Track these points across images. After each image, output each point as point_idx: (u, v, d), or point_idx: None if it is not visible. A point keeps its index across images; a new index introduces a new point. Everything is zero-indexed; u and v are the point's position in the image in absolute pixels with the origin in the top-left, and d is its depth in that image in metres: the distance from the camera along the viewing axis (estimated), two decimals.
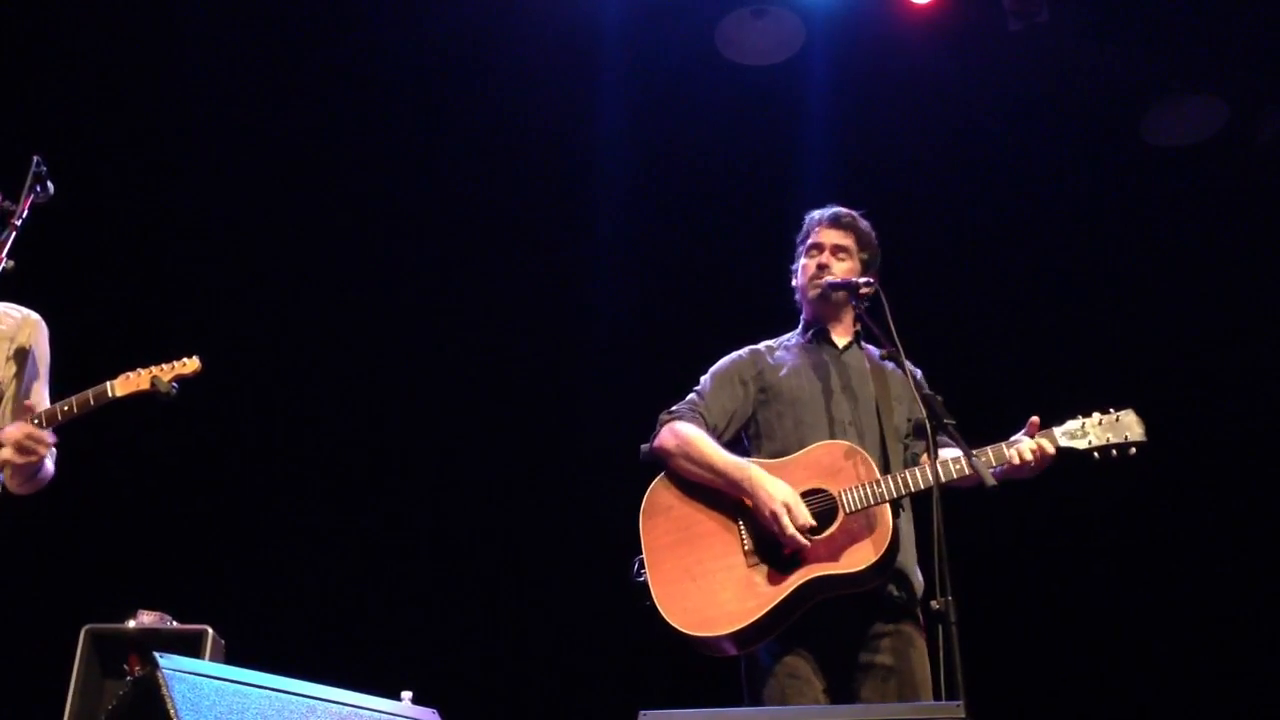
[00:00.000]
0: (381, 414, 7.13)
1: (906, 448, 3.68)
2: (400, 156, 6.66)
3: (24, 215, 3.43)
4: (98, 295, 6.40)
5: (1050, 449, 3.39)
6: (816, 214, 3.99)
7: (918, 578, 3.59)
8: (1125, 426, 3.44)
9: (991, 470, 3.26)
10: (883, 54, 6.16)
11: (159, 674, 2.83)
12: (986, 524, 5.02)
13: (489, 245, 6.97)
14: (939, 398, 3.41)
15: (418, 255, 6.94)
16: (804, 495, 3.39)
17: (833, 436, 3.57)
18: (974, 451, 3.29)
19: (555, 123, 6.55)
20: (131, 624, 4.73)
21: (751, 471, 3.45)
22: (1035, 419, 3.44)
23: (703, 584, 3.36)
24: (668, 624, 3.34)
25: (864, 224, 3.96)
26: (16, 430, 3.42)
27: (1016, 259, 6.85)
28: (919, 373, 3.76)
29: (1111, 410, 3.45)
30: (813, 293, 3.86)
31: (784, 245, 6.95)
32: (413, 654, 6.45)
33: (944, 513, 3.10)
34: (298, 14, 6.04)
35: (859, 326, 3.87)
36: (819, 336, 3.89)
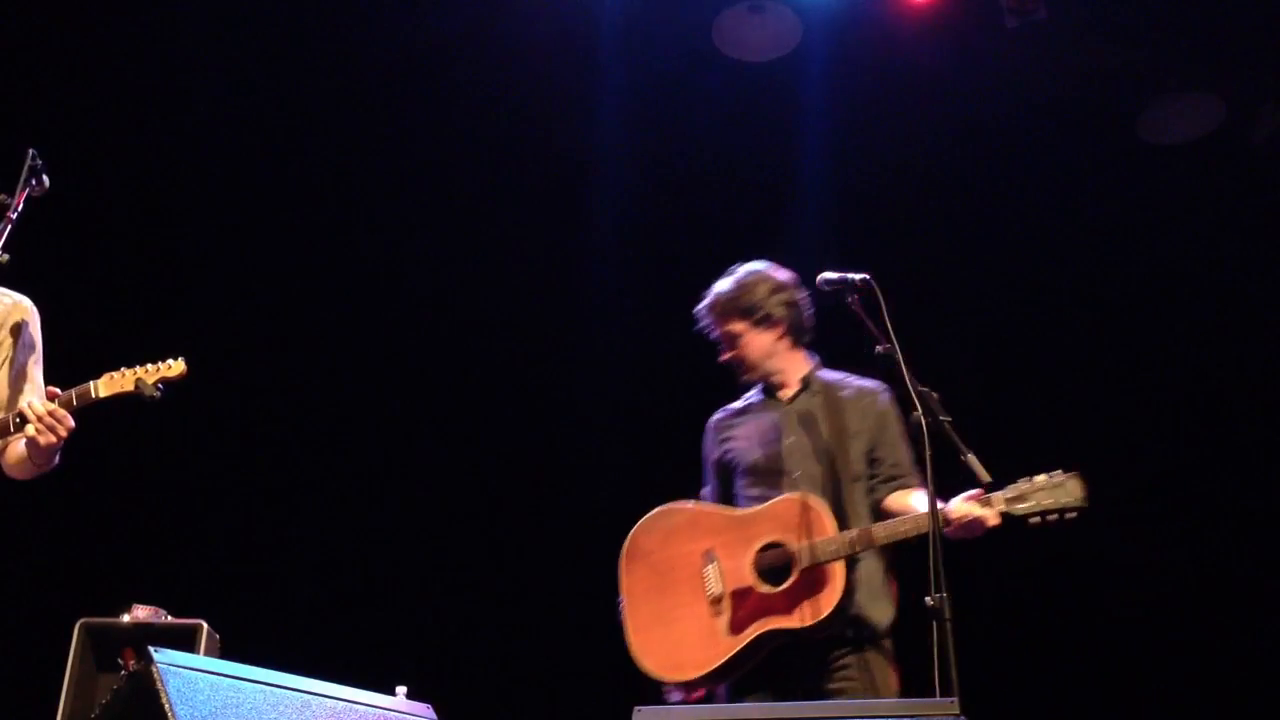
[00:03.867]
0: (377, 409, 7.13)
1: (872, 490, 3.79)
2: (395, 151, 6.65)
3: (19, 208, 3.42)
4: (84, 289, 6.35)
5: (991, 519, 3.44)
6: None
7: (880, 614, 3.69)
8: (1067, 491, 3.46)
9: (921, 529, 3.36)
10: (880, 50, 6.16)
11: (154, 668, 2.83)
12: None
13: (485, 241, 6.96)
14: (935, 394, 3.42)
15: (413, 251, 6.93)
16: (763, 548, 3.58)
17: (792, 488, 3.72)
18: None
19: (552, 118, 6.54)
20: (126, 618, 4.72)
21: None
22: (978, 490, 3.46)
23: (671, 629, 3.61)
24: (640, 666, 3.63)
25: (726, 295, 4.01)
26: (41, 406, 3.40)
27: (1012, 255, 6.85)
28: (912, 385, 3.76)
29: (1059, 472, 3.48)
30: (744, 376, 4.03)
31: (781, 242, 6.97)
32: (408, 649, 6.45)
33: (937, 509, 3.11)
34: (293, 8, 6.02)
35: (810, 370, 3.99)
36: (767, 392, 4.03)
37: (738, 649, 3.50)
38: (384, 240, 6.91)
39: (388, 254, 6.94)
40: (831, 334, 4.23)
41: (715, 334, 4.06)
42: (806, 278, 3.97)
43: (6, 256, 3.37)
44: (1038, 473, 3.50)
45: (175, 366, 3.56)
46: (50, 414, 3.40)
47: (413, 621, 6.75)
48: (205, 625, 4.69)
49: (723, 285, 4.05)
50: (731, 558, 3.62)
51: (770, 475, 3.80)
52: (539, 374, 7.11)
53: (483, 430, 7.13)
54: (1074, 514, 3.41)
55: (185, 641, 4.57)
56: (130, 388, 3.50)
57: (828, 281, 3.81)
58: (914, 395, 3.42)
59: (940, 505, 3.39)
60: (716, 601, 3.58)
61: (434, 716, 3.60)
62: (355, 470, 7.05)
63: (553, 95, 6.43)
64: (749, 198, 6.91)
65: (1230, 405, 6.89)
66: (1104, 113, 6.39)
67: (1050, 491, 3.42)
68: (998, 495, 3.46)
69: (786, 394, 3.98)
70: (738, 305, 3.99)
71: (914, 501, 3.63)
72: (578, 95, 6.42)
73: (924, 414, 3.35)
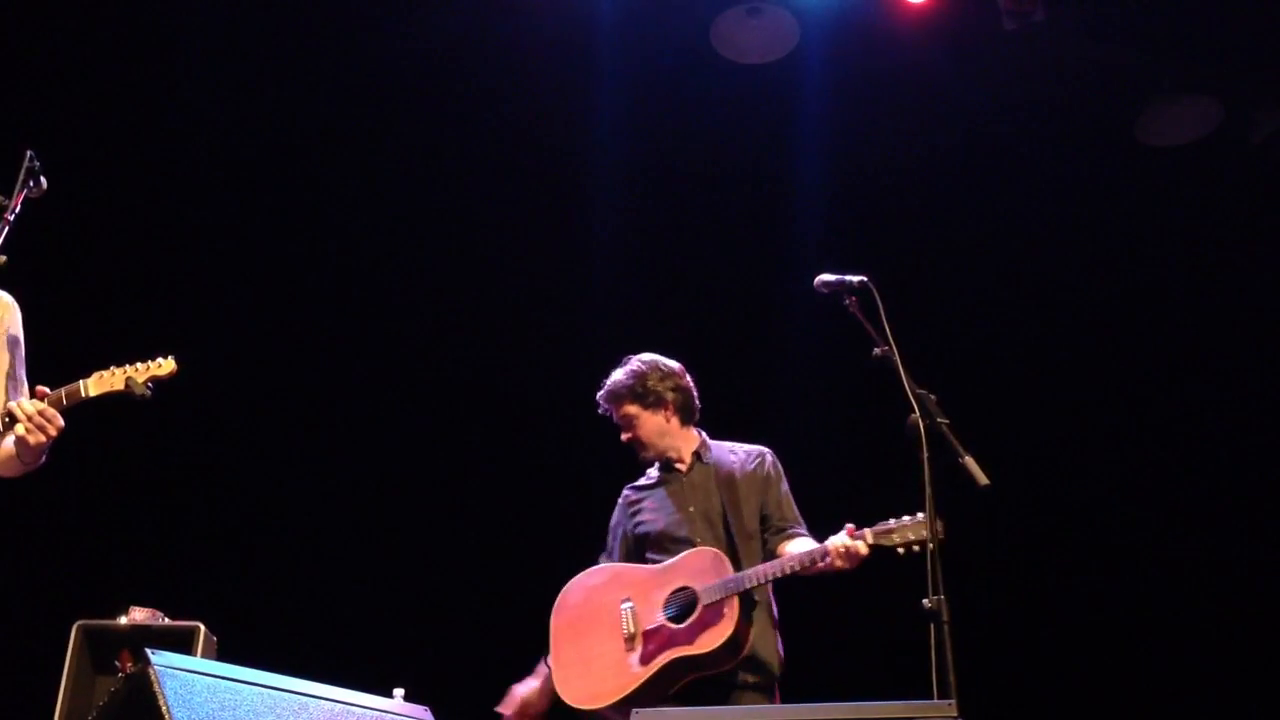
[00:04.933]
0: (375, 412, 7.12)
1: (765, 542, 4.20)
2: (393, 153, 6.65)
3: (16, 210, 3.41)
4: (74, 286, 6.32)
5: (863, 550, 3.79)
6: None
7: (774, 660, 4.08)
8: (922, 527, 3.68)
9: (802, 565, 3.84)
10: (877, 53, 6.16)
11: (151, 670, 2.83)
12: (980, 524, 5.02)
13: (482, 243, 6.96)
14: (933, 396, 3.42)
15: (411, 252, 6.93)
16: (674, 592, 3.97)
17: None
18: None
19: (550, 121, 6.55)
20: (123, 620, 4.73)
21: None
22: (849, 525, 3.84)
23: (590, 665, 4.04)
24: (562, 697, 4.06)
25: (620, 383, 4.41)
26: (30, 406, 3.38)
27: (1010, 257, 6.86)
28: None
29: (917, 514, 3.72)
30: (642, 455, 4.42)
31: (779, 244, 6.99)
32: (405, 651, 6.44)
33: (936, 513, 3.12)
34: (291, 10, 6.02)
35: (700, 444, 4.38)
36: (665, 468, 4.41)
37: (647, 677, 3.89)
38: (382, 241, 6.91)
39: (386, 255, 6.94)
40: (831, 335, 4.23)
41: (615, 417, 4.44)
42: (805, 279, 3.96)
43: (4, 258, 3.36)
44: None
45: (165, 365, 3.54)
46: (40, 413, 3.37)
47: (410, 624, 6.74)
48: (203, 627, 4.69)
49: (618, 374, 4.44)
50: (645, 602, 4.03)
51: (677, 542, 4.17)
52: (537, 376, 7.11)
53: (480, 432, 7.13)
54: (932, 548, 3.62)
55: (183, 643, 4.58)
56: (120, 387, 3.48)
57: (825, 284, 3.83)
58: (911, 398, 3.43)
59: (823, 544, 3.85)
60: (630, 639, 3.99)
61: (431, 719, 3.60)
62: (353, 472, 7.04)
63: (551, 98, 6.43)
64: (747, 200, 6.91)
65: (1230, 406, 6.89)
66: (1101, 114, 6.40)
67: (911, 529, 3.73)
68: (868, 530, 3.81)
69: (682, 468, 4.38)
70: (632, 391, 4.38)
71: (794, 547, 4.08)
72: (577, 97, 6.43)
73: (921, 417, 3.36)
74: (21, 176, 3.44)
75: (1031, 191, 6.68)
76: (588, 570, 4.32)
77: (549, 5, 5.99)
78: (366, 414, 7.11)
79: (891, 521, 3.77)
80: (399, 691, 4.07)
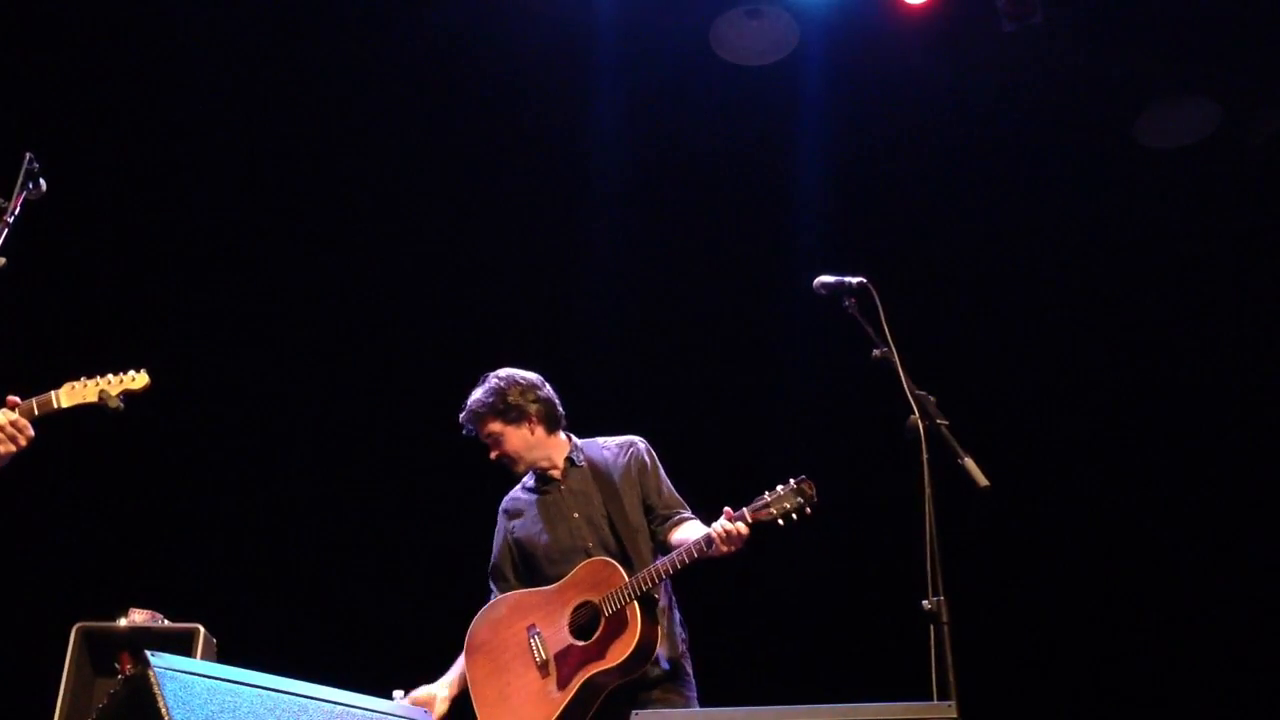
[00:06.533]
0: (374, 413, 7.12)
1: (653, 534, 4.21)
2: (392, 156, 6.64)
3: (15, 212, 3.41)
4: (47, 292, 6.28)
5: (744, 529, 3.80)
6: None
7: (670, 649, 4.06)
8: (800, 493, 3.79)
9: (691, 557, 3.83)
10: (877, 55, 6.16)
11: (150, 672, 2.82)
12: (979, 525, 5.03)
13: (481, 246, 6.96)
14: (931, 397, 3.42)
15: (410, 253, 6.93)
16: (575, 609, 3.98)
17: (586, 558, 4.11)
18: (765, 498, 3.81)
19: (549, 123, 6.55)
20: (123, 622, 4.72)
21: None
22: (727, 509, 3.84)
23: (510, 700, 4.01)
24: None
25: (480, 402, 4.39)
26: (1, 417, 3.35)
27: (1009, 259, 6.86)
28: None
29: (791, 481, 3.81)
30: (515, 469, 4.43)
31: (777, 246, 6.99)
32: (405, 653, 6.44)
33: (936, 514, 3.12)
34: (288, 11, 6.02)
35: (570, 448, 4.40)
36: (541, 479, 4.41)
37: (567, 701, 3.88)
38: (381, 242, 6.90)
39: (384, 255, 6.94)
40: (829, 337, 4.23)
41: (480, 437, 4.42)
42: (804, 281, 3.97)
43: (3, 260, 3.36)
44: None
45: (139, 379, 3.53)
46: (11, 424, 3.36)
47: (410, 625, 6.74)
48: (202, 629, 4.68)
49: (476, 395, 4.42)
50: (550, 626, 4.02)
51: (569, 553, 4.16)
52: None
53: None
54: (809, 511, 3.78)
55: (182, 645, 4.57)
56: (93, 399, 3.47)
57: (825, 285, 3.83)
58: (911, 399, 3.43)
59: (706, 532, 3.85)
60: (544, 667, 3.98)
61: None
62: (352, 474, 7.04)
63: (551, 99, 6.43)
64: (746, 202, 6.91)
65: (1229, 409, 6.89)
66: (1101, 117, 6.40)
67: (785, 498, 3.78)
68: (745, 509, 3.83)
69: (557, 474, 4.37)
70: (493, 409, 4.37)
71: (682, 533, 4.10)
72: (576, 99, 6.43)
73: (921, 418, 3.36)
74: (20, 179, 3.44)
75: (1031, 193, 6.68)
76: (487, 605, 4.31)
77: (548, 7, 5.98)
78: (366, 415, 7.11)
79: (766, 495, 3.81)
80: (398, 693, 4.08)
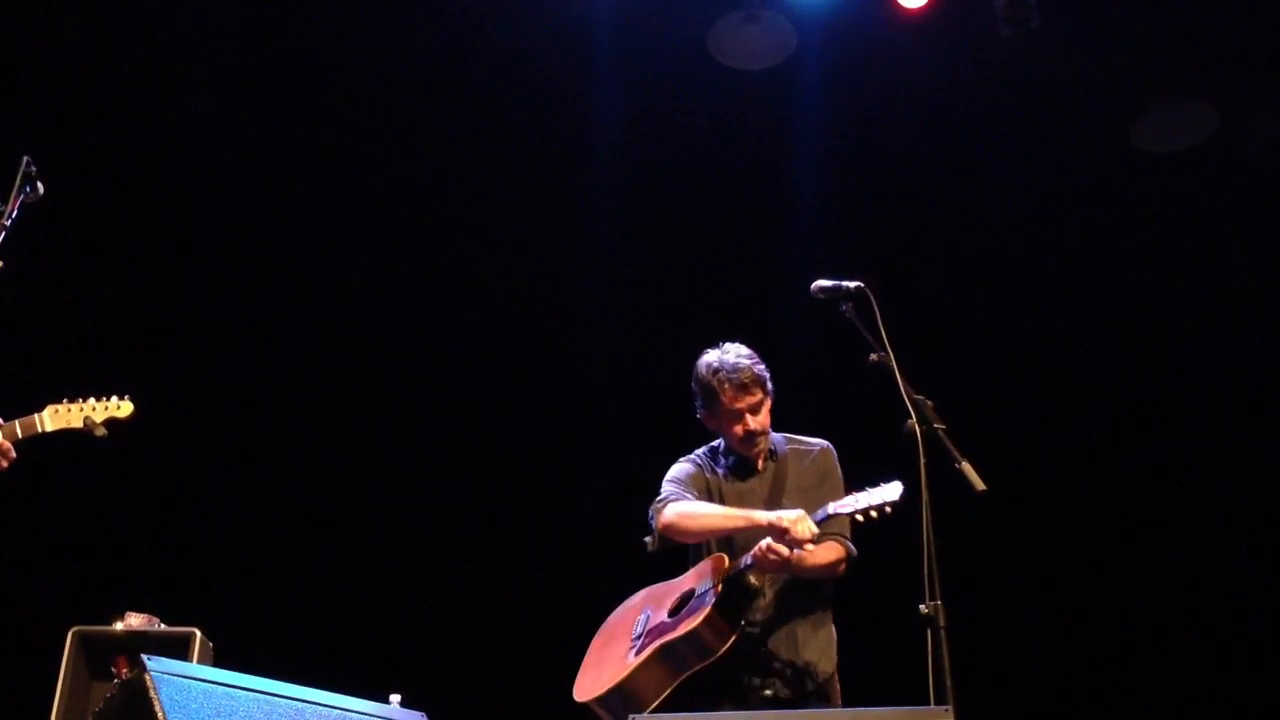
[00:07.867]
0: (371, 416, 7.12)
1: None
2: (390, 160, 6.65)
3: (13, 215, 3.41)
4: (37, 304, 6.28)
5: (814, 530, 3.69)
6: (719, 379, 4.08)
7: (819, 664, 4.01)
8: (885, 493, 3.61)
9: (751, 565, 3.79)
10: (875, 59, 6.17)
11: (147, 676, 2.83)
12: (978, 528, 5.02)
13: (479, 250, 6.96)
14: (929, 401, 3.42)
15: (408, 256, 6.93)
16: (680, 595, 4.00)
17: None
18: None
19: (547, 128, 6.55)
20: (119, 626, 4.72)
21: (750, 512, 3.93)
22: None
23: (601, 665, 4.11)
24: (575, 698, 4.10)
25: (759, 368, 4.10)
26: None
27: (1007, 263, 6.87)
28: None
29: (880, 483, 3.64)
30: (746, 450, 4.14)
31: (775, 251, 6.99)
32: (401, 657, 6.44)
33: (933, 518, 3.13)
34: (285, 13, 6.02)
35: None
36: (739, 464, 4.19)
37: (636, 665, 3.89)
38: (379, 241, 6.90)
39: (384, 256, 6.94)
40: (828, 339, 4.23)
41: (747, 400, 4.05)
42: (801, 285, 3.97)
43: (1, 264, 3.36)
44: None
45: (124, 408, 3.53)
46: None
47: (407, 629, 6.74)
48: (198, 633, 4.68)
49: (751, 361, 4.10)
50: (659, 608, 4.07)
51: (743, 537, 3.96)
52: (533, 384, 7.11)
53: (477, 439, 7.12)
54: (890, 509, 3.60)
55: (178, 649, 4.57)
56: (78, 425, 3.48)
57: (822, 289, 3.84)
58: (908, 403, 3.43)
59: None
60: (636, 639, 4.03)
61: None
62: (349, 478, 7.04)
63: (549, 104, 6.43)
64: (744, 206, 6.91)
65: (1227, 413, 6.90)
66: (1098, 121, 6.40)
67: (871, 496, 3.64)
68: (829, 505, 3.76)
69: (761, 465, 4.17)
70: (765, 377, 4.10)
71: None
72: (574, 103, 6.43)
73: (918, 422, 3.36)
74: (18, 182, 3.44)
75: (1029, 198, 6.69)
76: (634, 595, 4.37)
77: (546, 12, 5.99)
78: (363, 419, 7.11)
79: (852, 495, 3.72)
80: (395, 697, 4.07)
